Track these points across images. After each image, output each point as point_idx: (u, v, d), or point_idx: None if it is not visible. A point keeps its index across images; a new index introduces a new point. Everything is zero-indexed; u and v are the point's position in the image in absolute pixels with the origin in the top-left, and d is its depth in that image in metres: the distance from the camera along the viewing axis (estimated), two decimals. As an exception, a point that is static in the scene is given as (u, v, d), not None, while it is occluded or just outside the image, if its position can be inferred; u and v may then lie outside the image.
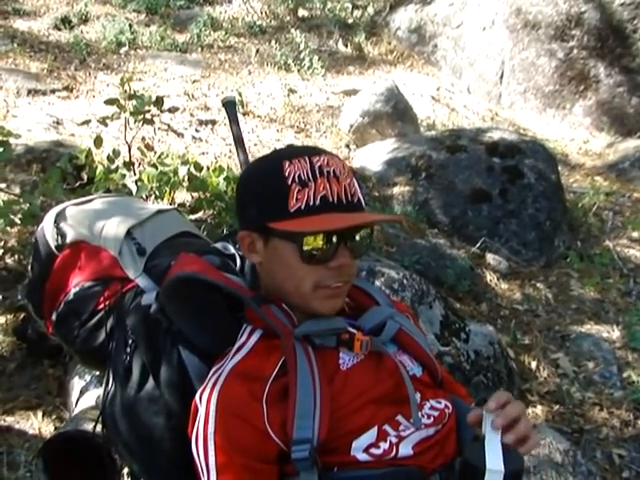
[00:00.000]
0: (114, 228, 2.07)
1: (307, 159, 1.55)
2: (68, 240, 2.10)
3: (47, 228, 2.14)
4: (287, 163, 1.54)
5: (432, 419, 1.59)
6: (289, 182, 1.52)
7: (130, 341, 1.78)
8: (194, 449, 1.47)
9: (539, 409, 3.63)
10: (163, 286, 1.69)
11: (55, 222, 2.14)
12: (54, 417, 3.01)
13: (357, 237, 1.59)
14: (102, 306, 1.97)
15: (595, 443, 3.46)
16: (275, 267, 1.60)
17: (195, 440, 1.46)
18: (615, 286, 4.98)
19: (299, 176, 1.52)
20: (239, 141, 2.21)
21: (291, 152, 1.63)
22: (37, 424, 2.99)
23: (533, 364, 3.98)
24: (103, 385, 1.89)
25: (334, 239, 1.53)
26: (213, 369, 1.55)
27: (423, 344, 1.75)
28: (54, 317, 2.09)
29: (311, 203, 1.50)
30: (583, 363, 4.03)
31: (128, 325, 1.81)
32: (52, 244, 2.11)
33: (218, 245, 1.96)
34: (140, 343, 1.75)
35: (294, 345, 1.52)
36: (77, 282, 2.05)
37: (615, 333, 4.37)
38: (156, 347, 1.71)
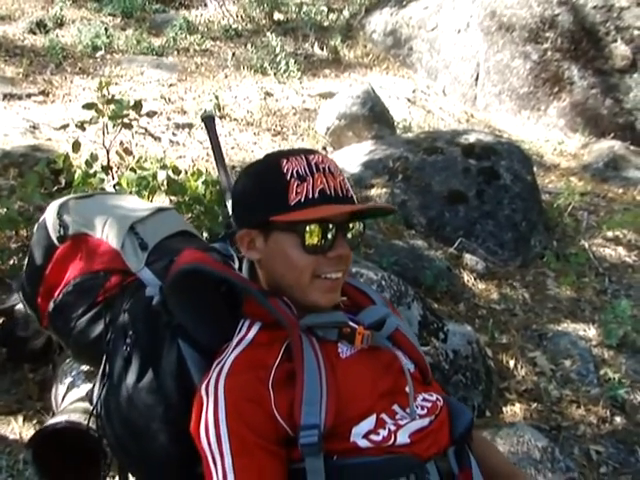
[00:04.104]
0: (117, 222, 2.09)
1: (303, 157, 1.63)
2: (71, 232, 2.11)
3: (49, 219, 2.14)
4: (284, 161, 1.61)
5: (425, 410, 1.63)
6: (288, 177, 1.59)
7: (130, 332, 1.79)
8: (204, 440, 1.47)
9: (517, 407, 3.66)
10: (169, 278, 1.71)
11: (58, 214, 2.14)
12: (35, 421, 3.00)
13: (352, 230, 1.67)
14: (102, 298, 1.98)
15: (573, 440, 3.49)
16: (275, 261, 1.65)
17: (205, 430, 1.47)
18: (591, 285, 5.03)
19: (297, 171, 1.59)
20: (219, 155, 2.25)
21: (286, 152, 1.69)
22: (18, 429, 2.98)
23: (511, 363, 4.01)
24: (99, 376, 1.88)
25: (333, 230, 1.60)
26: (215, 362, 1.57)
27: (416, 344, 1.80)
28: (51, 307, 2.09)
29: (310, 196, 1.58)
30: (560, 361, 4.07)
31: (129, 317, 1.83)
32: (54, 236, 2.11)
33: (216, 245, 1.98)
34: (140, 335, 1.77)
35: (300, 335, 1.57)
36: (77, 273, 2.05)
37: (591, 331, 4.42)
38: (156, 339, 1.73)
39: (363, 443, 1.51)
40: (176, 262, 1.72)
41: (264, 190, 1.63)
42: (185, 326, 1.68)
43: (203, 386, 1.53)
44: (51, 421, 2.09)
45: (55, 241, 2.11)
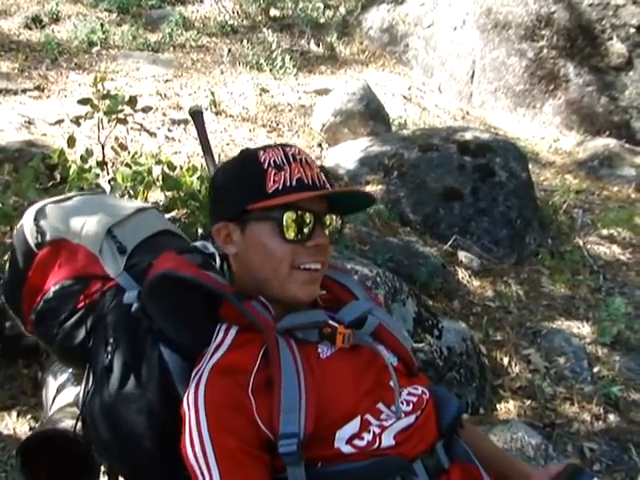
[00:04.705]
0: (95, 226, 2.07)
1: (280, 148, 1.65)
2: (48, 238, 2.09)
3: (26, 226, 2.12)
4: (261, 152, 1.63)
5: (411, 405, 1.61)
6: (265, 166, 1.60)
7: (111, 340, 1.78)
8: (190, 454, 1.43)
9: (511, 404, 3.67)
10: (145, 284, 1.70)
11: (35, 220, 2.12)
12: (29, 417, 3.00)
13: (329, 226, 1.66)
14: (82, 304, 1.96)
15: (566, 437, 3.50)
16: (252, 253, 1.63)
17: (190, 444, 1.44)
18: (585, 282, 5.04)
19: (274, 161, 1.60)
20: (207, 150, 2.25)
21: (263, 146, 1.70)
22: (12, 424, 2.98)
23: (505, 360, 4.02)
24: (83, 383, 1.87)
25: (311, 220, 1.60)
26: (194, 371, 1.55)
27: (399, 336, 1.78)
28: (33, 315, 2.08)
29: (287, 184, 1.58)
30: (554, 358, 4.07)
31: (109, 324, 1.81)
32: (31, 242, 2.09)
33: (198, 244, 1.97)
34: (121, 342, 1.75)
35: (277, 339, 1.54)
36: (57, 280, 2.03)
37: (585, 329, 4.43)
38: (137, 346, 1.72)
39: (347, 449, 1.49)
40: (152, 268, 1.70)
41: (241, 180, 1.63)
42: (166, 330, 1.66)
43: (185, 399, 1.50)
44: (39, 429, 2.09)
45: (33, 248, 2.10)
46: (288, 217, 1.57)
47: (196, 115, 2.32)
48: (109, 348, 1.76)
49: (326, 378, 1.54)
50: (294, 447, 1.41)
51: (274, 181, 1.58)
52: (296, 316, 1.61)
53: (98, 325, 1.87)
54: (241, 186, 1.63)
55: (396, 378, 1.62)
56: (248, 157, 1.67)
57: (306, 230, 1.59)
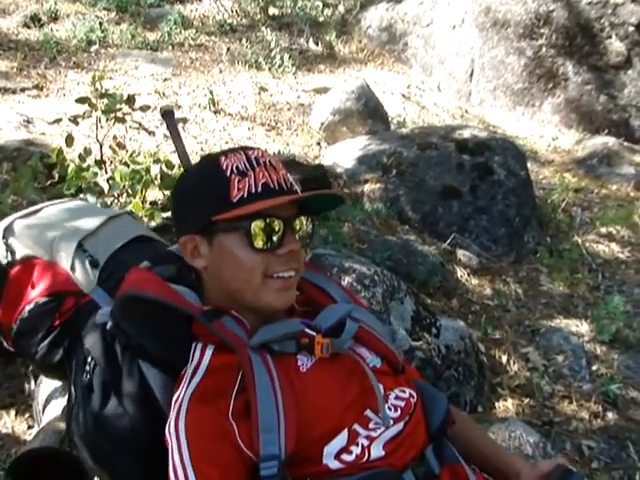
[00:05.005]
0: (64, 241, 2.04)
1: (242, 152, 1.58)
2: (18, 256, 2.07)
3: None
4: (223, 158, 1.57)
5: (399, 411, 1.58)
6: (228, 174, 1.54)
7: (89, 359, 1.76)
8: None
9: (509, 402, 3.67)
10: (114, 304, 1.68)
11: (3, 238, 2.10)
12: (27, 415, 2.99)
13: (299, 231, 1.61)
14: (58, 322, 1.96)
15: (565, 435, 3.50)
16: (222, 265, 1.58)
17: (174, 474, 1.40)
18: (584, 281, 5.04)
19: (237, 167, 1.54)
20: (180, 149, 2.23)
21: (225, 150, 1.63)
22: (10, 423, 2.97)
23: (503, 358, 4.02)
24: (67, 401, 1.87)
25: (281, 226, 1.54)
26: (174, 397, 1.52)
27: (381, 336, 1.73)
28: (12, 333, 2.08)
29: (253, 191, 1.52)
30: (553, 357, 4.07)
31: (86, 344, 1.79)
32: (2, 261, 2.09)
33: (173, 248, 1.93)
34: (99, 361, 1.73)
35: (250, 357, 1.49)
36: (31, 299, 2.03)
37: (584, 327, 4.42)
38: (116, 364, 1.70)
39: (334, 465, 1.46)
40: (122, 285, 1.67)
41: (204, 190, 1.57)
42: (144, 345, 1.64)
43: (167, 427, 1.47)
44: (29, 445, 2.08)
45: (5, 266, 2.09)
46: (256, 226, 1.51)
47: (167, 115, 2.30)
48: (87, 367, 1.75)
49: (308, 392, 1.51)
50: (275, 470, 1.37)
51: (238, 189, 1.52)
52: (270, 328, 1.57)
53: (75, 343, 1.85)
54: (205, 197, 1.57)
55: (380, 385, 1.58)
56: (209, 164, 1.60)
57: (275, 238, 1.54)
